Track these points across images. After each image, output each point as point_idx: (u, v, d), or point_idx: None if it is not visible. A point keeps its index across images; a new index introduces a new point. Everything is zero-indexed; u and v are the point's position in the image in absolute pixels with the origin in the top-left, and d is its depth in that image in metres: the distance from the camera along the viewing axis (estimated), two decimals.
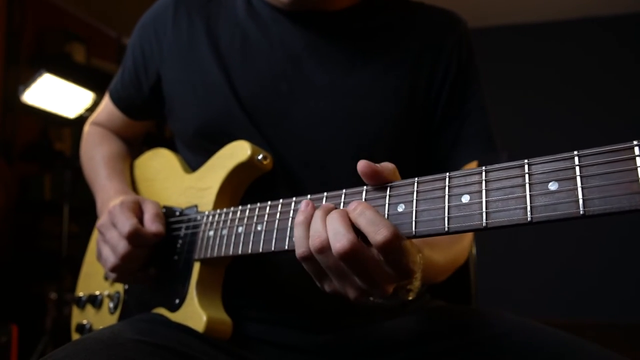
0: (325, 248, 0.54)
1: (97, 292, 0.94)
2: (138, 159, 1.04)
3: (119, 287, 0.90)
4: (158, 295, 0.81)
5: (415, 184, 0.54)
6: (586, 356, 0.64)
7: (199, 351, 0.69)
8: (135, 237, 0.75)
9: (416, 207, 0.53)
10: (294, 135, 0.80)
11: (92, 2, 3.78)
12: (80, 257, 1.06)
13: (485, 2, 4.12)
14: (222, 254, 0.71)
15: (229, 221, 0.72)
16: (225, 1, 0.89)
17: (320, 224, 0.55)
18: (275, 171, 0.79)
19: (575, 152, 0.45)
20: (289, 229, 0.63)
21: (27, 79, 2.64)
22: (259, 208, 0.69)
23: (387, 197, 0.56)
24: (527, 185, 0.46)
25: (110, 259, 0.78)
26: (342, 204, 0.59)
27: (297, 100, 0.81)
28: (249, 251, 0.67)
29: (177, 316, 0.76)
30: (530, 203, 0.46)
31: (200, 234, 0.77)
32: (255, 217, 0.68)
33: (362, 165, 0.55)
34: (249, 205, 0.71)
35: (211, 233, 0.74)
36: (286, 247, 0.63)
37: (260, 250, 0.66)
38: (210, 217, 0.76)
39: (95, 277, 0.97)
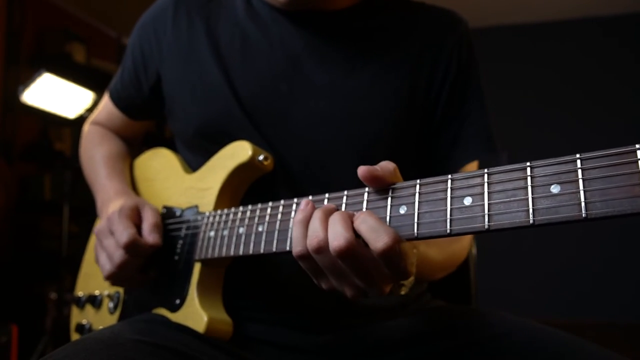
0: (322, 248, 0.54)
1: (97, 292, 0.94)
2: (138, 158, 1.03)
3: (119, 287, 0.90)
4: (158, 295, 0.81)
5: (417, 186, 0.54)
6: (586, 356, 0.64)
7: (199, 351, 0.69)
8: (132, 248, 0.75)
9: (418, 209, 0.53)
10: (294, 135, 0.80)
11: (92, 2, 3.78)
12: (80, 257, 1.06)
13: (485, 2, 4.12)
14: (223, 254, 0.71)
15: (230, 222, 0.72)
16: (225, 1, 0.89)
17: (319, 224, 0.55)
18: (275, 171, 0.79)
19: (578, 155, 0.45)
20: (290, 230, 0.63)
21: (27, 79, 2.64)
22: (260, 209, 0.69)
23: (389, 199, 0.56)
24: (530, 188, 0.47)
25: (107, 266, 0.78)
26: (343, 205, 0.59)
27: (297, 100, 0.80)
28: (250, 252, 0.67)
29: (178, 316, 0.76)
30: (533, 206, 0.46)
31: (201, 235, 0.76)
32: (257, 218, 0.68)
33: (362, 171, 0.56)
34: (250, 206, 0.71)
35: (212, 234, 0.74)
36: (287, 248, 0.63)
37: (262, 251, 0.66)
38: (211, 218, 0.76)
39: (94, 276, 0.97)
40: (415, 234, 0.52)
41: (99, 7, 3.86)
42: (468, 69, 0.86)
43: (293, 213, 0.64)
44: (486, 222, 0.48)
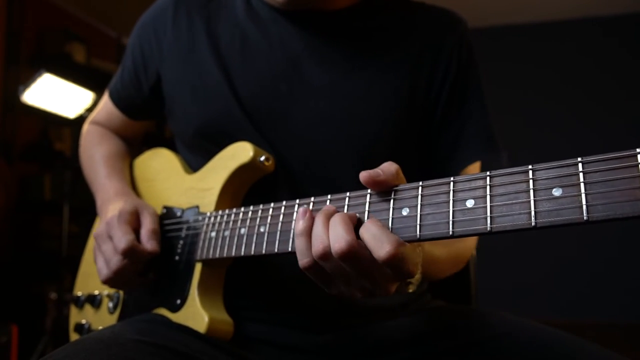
0: (328, 254, 0.54)
1: (96, 292, 0.94)
2: (138, 158, 1.03)
3: None
4: (159, 295, 0.81)
5: (420, 188, 0.54)
6: (586, 356, 0.64)
7: (199, 352, 0.69)
8: (130, 254, 0.75)
9: (420, 211, 0.53)
10: (294, 135, 0.80)
11: (92, 2, 3.78)
12: (80, 257, 1.06)
13: (485, 2, 4.12)
14: (225, 255, 0.71)
15: (231, 222, 0.72)
16: (225, 1, 0.89)
17: (322, 230, 0.55)
18: (275, 171, 0.79)
19: (579, 159, 0.45)
20: (292, 230, 0.63)
21: (27, 79, 2.64)
22: (262, 209, 0.69)
23: (392, 200, 0.56)
24: (532, 191, 0.47)
25: (104, 271, 0.78)
26: (345, 207, 0.59)
27: (296, 100, 0.80)
28: (252, 252, 0.67)
29: (179, 317, 0.76)
30: (535, 208, 0.46)
31: (202, 235, 0.76)
32: (258, 219, 0.68)
33: (363, 177, 0.56)
34: (251, 207, 0.71)
35: (213, 234, 0.74)
36: (289, 249, 0.63)
37: (264, 251, 0.66)
38: (212, 218, 0.76)
39: (94, 276, 0.96)
40: (418, 236, 0.53)
41: (99, 7, 3.86)
42: (468, 69, 0.86)
43: (295, 214, 0.64)
44: (488, 224, 0.48)
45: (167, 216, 0.85)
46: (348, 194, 0.60)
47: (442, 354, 0.72)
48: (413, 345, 0.75)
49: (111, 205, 0.85)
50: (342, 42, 0.83)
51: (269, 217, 0.67)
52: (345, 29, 0.84)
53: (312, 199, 0.63)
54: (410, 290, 0.63)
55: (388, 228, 0.55)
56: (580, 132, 4.11)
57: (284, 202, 0.66)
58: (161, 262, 0.81)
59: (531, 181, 0.47)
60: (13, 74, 3.20)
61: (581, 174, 0.45)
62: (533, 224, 0.46)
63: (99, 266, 0.79)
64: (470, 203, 0.50)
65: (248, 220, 0.70)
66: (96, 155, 1.00)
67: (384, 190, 0.57)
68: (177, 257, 0.80)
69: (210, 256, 0.74)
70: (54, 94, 2.71)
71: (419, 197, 0.54)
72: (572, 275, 4.05)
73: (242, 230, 0.70)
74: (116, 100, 1.01)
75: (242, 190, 0.80)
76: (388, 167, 0.57)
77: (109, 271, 0.77)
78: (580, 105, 4.22)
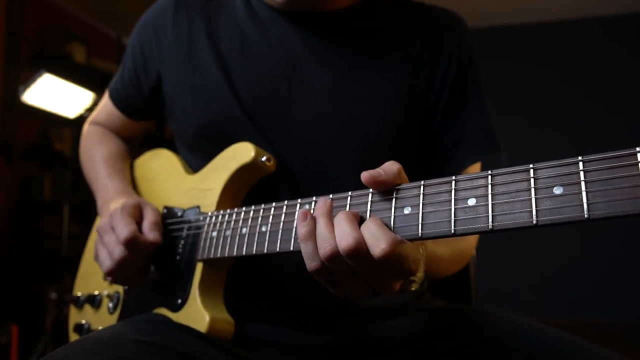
0: (336, 254, 0.54)
1: (96, 292, 0.94)
2: (138, 158, 1.04)
3: (119, 287, 0.90)
4: (159, 295, 0.81)
5: (422, 187, 0.55)
6: (586, 356, 0.64)
7: (200, 351, 0.69)
8: (132, 244, 0.75)
9: (422, 210, 0.53)
10: (294, 135, 0.80)
11: (92, 2, 3.78)
12: (80, 257, 1.06)
13: (485, 2, 4.12)
14: (226, 254, 0.71)
15: (232, 222, 0.72)
16: (225, 1, 0.89)
17: (327, 231, 0.55)
18: (276, 172, 0.79)
19: (580, 158, 0.46)
20: (294, 230, 0.63)
21: (27, 79, 2.64)
22: (264, 209, 0.69)
23: (394, 199, 0.56)
24: (533, 189, 0.47)
25: (106, 262, 0.78)
26: (347, 206, 0.59)
27: (296, 100, 0.80)
28: (254, 252, 0.67)
29: (179, 316, 0.76)
30: (536, 206, 0.47)
31: (203, 235, 0.77)
32: (260, 219, 0.68)
33: (365, 177, 0.55)
34: (253, 207, 0.71)
35: (214, 234, 0.75)
36: (291, 248, 0.63)
37: (265, 251, 0.66)
38: (214, 218, 0.76)
39: (93, 276, 0.97)
40: (420, 235, 0.53)
41: (99, 7, 3.86)
42: (468, 69, 0.86)
43: (297, 213, 0.64)
44: (490, 223, 0.49)
45: (168, 216, 0.85)
46: (350, 193, 0.60)
47: (442, 354, 0.72)
48: (413, 345, 0.75)
49: (113, 203, 0.85)
50: (342, 42, 0.83)
51: (271, 217, 0.67)
52: (345, 29, 0.84)
53: (314, 198, 0.63)
54: (413, 289, 0.63)
55: (390, 226, 0.55)
56: (580, 132, 4.11)
57: (286, 202, 0.66)
58: (162, 261, 0.82)
59: (532, 180, 0.48)
60: (13, 74, 3.20)
61: (582, 173, 0.45)
62: (534, 222, 0.46)
63: (102, 258, 0.79)
64: (471, 201, 0.51)
65: (249, 220, 0.70)
66: (97, 155, 1.00)
67: (386, 190, 0.57)
68: (178, 257, 0.80)
69: (212, 256, 0.74)
70: (54, 94, 2.71)
71: (421, 196, 0.54)
72: (572, 275, 4.05)
73: (244, 230, 0.70)
74: (116, 100, 1.01)
75: (243, 190, 0.80)
76: (390, 167, 0.57)
77: (111, 262, 0.77)
78: (580, 105, 4.22)
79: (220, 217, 0.75)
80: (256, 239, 0.68)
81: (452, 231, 0.51)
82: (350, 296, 0.58)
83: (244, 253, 0.69)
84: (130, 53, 0.96)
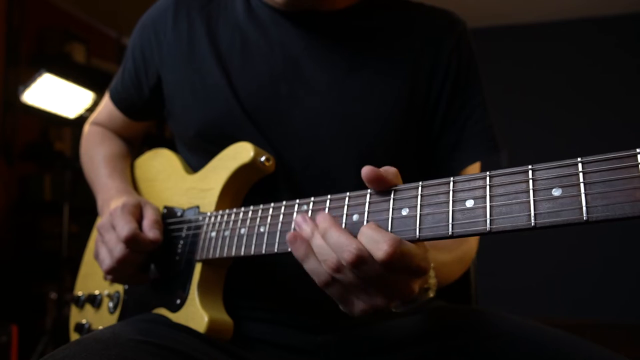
0: (340, 265, 0.53)
1: (97, 292, 0.94)
2: (138, 158, 1.04)
3: (119, 287, 0.90)
4: (159, 295, 0.81)
5: (420, 188, 0.54)
6: (586, 356, 0.64)
7: (199, 352, 0.68)
8: (133, 242, 0.75)
9: (420, 211, 0.53)
10: (294, 136, 0.80)
11: (92, 2, 3.78)
12: (80, 257, 1.06)
13: (485, 2, 4.12)
14: (225, 254, 0.71)
15: (231, 222, 0.72)
16: (225, 2, 0.89)
17: (324, 244, 0.55)
18: (276, 172, 0.79)
19: (579, 159, 0.45)
20: (292, 230, 0.63)
21: (27, 79, 2.65)
22: (262, 210, 0.69)
23: (391, 200, 0.56)
24: (531, 191, 0.47)
25: (107, 261, 0.78)
26: (345, 207, 0.59)
27: (296, 100, 0.81)
28: (252, 252, 0.67)
29: (178, 317, 0.76)
30: (534, 209, 0.46)
31: (202, 235, 0.77)
32: (258, 219, 0.68)
33: (366, 170, 0.55)
34: (251, 207, 0.71)
35: (213, 234, 0.75)
36: (289, 249, 0.62)
37: (263, 251, 0.66)
38: (213, 218, 0.76)
39: (94, 276, 0.97)
40: (417, 236, 0.53)
41: (99, 7, 3.87)
42: (468, 69, 0.86)
43: (295, 214, 0.64)
44: (488, 225, 0.48)
45: (167, 216, 0.85)
46: (348, 194, 0.60)
47: (442, 354, 0.72)
48: (413, 345, 0.76)
49: (113, 202, 0.85)
50: (341, 42, 0.83)
51: (269, 217, 0.67)
52: (345, 29, 0.84)
53: (312, 199, 0.63)
54: (431, 295, 0.62)
55: (387, 228, 0.54)
56: (580, 132, 4.11)
57: (284, 202, 0.66)
58: (161, 261, 0.82)
59: (531, 181, 0.47)
60: (13, 74, 3.20)
61: (581, 174, 0.44)
62: (533, 224, 0.46)
63: (102, 256, 0.79)
64: (470, 203, 0.50)
65: (248, 220, 0.70)
66: (97, 155, 1.00)
67: (384, 189, 0.57)
68: (177, 257, 0.80)
69: (211, 256, 0.74)
70: (54, 94, 2.71)
71: (419, 197, 0.54)
72: (572, 275, 4.05)
73: (242, 230, 0.70)
74: (117, 101, 1.01)
75: (243, 190, 0.80)
76: (388, 167, 0.57)
77: (111, 260, 0.77)
78: (580, 105, 4.21)
79: (219, 217, 0.75)
80: (254, 239, 0.68)
81: (450, 233, 0.50)
82: (372, 311, 0.56)
83: (242, 253, 0.69)
84: (130, 54, 0.96)
